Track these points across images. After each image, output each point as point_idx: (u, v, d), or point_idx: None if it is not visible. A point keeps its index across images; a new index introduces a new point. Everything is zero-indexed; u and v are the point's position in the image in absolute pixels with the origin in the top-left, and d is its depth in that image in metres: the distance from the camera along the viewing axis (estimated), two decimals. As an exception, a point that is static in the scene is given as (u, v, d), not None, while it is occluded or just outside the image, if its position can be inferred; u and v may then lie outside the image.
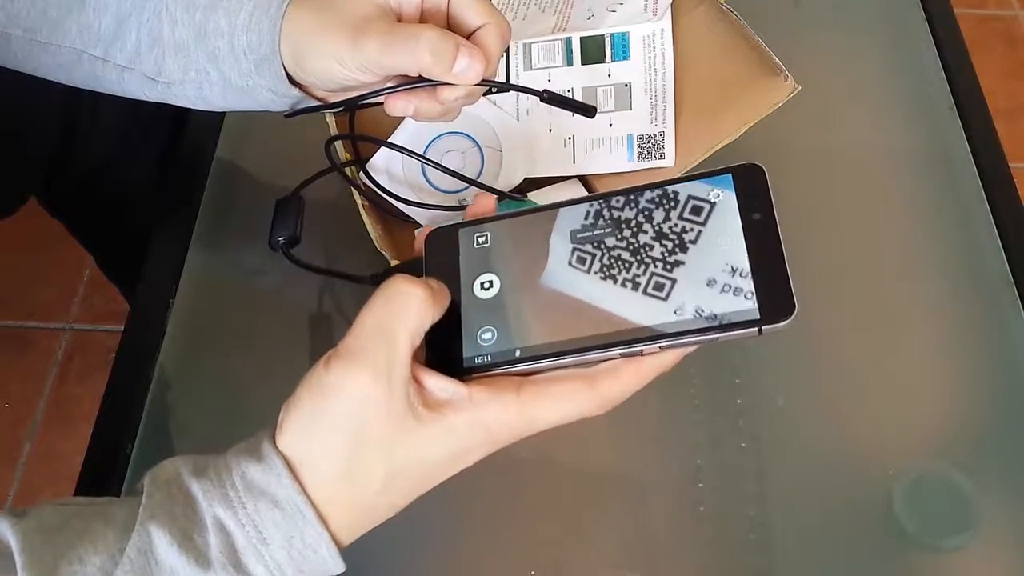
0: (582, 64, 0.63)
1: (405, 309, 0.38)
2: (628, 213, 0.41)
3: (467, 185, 0.62)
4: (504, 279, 0.41)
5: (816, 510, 0.60)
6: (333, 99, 0.52)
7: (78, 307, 1.49)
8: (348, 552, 0.40)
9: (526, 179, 0.63)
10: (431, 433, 0.38)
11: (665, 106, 0.62)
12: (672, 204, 0.41)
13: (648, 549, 0.58)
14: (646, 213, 0.41)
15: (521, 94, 0.64)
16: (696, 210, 0.40)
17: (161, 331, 0.65)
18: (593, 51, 0.63)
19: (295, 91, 0.51)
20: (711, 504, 0.59)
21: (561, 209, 0.42)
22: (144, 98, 0.53)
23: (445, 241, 0.43)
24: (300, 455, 0.38)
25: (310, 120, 0.65)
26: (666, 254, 0.40)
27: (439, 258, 0.43)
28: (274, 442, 0.39)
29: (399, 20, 0.48)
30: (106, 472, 0.59)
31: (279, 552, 0.37)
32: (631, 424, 0.61)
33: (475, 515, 0.58)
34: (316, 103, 0.52)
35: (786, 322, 0.37)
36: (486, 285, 0.41)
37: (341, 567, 0.39)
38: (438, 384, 0.39)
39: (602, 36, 0.63)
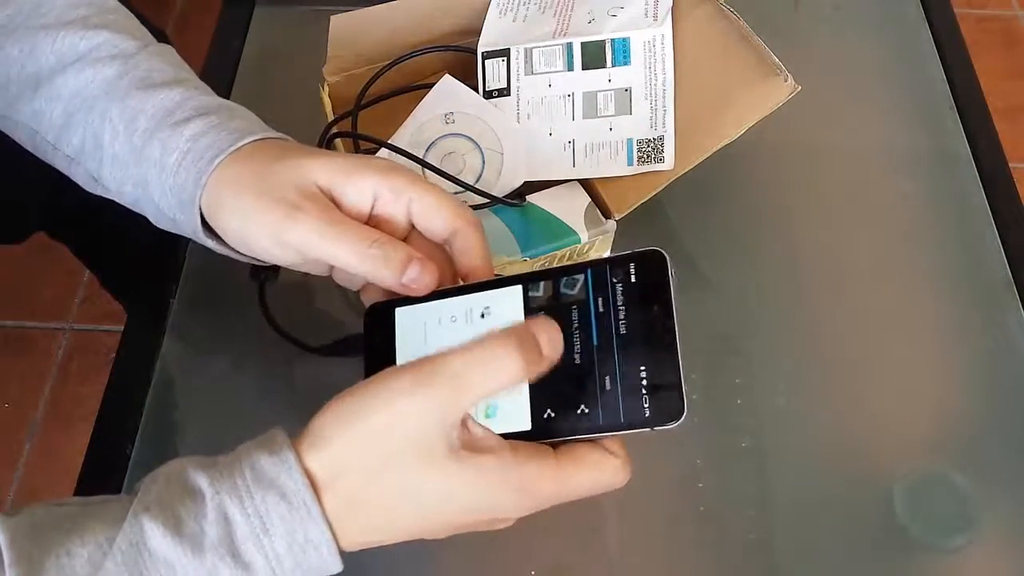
0: (583, 69, 0.63)
1: (498, 375, 0.38)
2: (540, 293, 0.42)
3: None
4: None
5: (816, 510, 0.60)
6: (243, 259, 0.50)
7: (78, 307, 1.49)
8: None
9: (526, 182, 0.63)
10: (464, 473, 0.38)
11: (665, 110, 0.62)
12: (577, 289, 0.41)
13: (648, 549, 0.58)
14: (549, 296, 0.41)
15: (523, 96, 0.64)
16: (593, 301, 0.40)
17: (161, 331, 0.65)
18: (594, 56, 0.63)
19: (211, 243, 0.49)
20: (711, 504, 0.59)
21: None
22: (91, 191, 0.52)
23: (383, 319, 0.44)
24: (327, 454, 0.38)
25: (310, 119, 0.65)
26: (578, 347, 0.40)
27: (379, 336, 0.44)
28: (288, 435, 0.39)
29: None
30: (106, 472, 0.59)
31: (280, 544, 0.37)
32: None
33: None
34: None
35: (676, 424, 0.37)
36: None
37: (340, 567, 0.39)
38: (483, 431, 0.39)
39: (603, 41, 0.63)
